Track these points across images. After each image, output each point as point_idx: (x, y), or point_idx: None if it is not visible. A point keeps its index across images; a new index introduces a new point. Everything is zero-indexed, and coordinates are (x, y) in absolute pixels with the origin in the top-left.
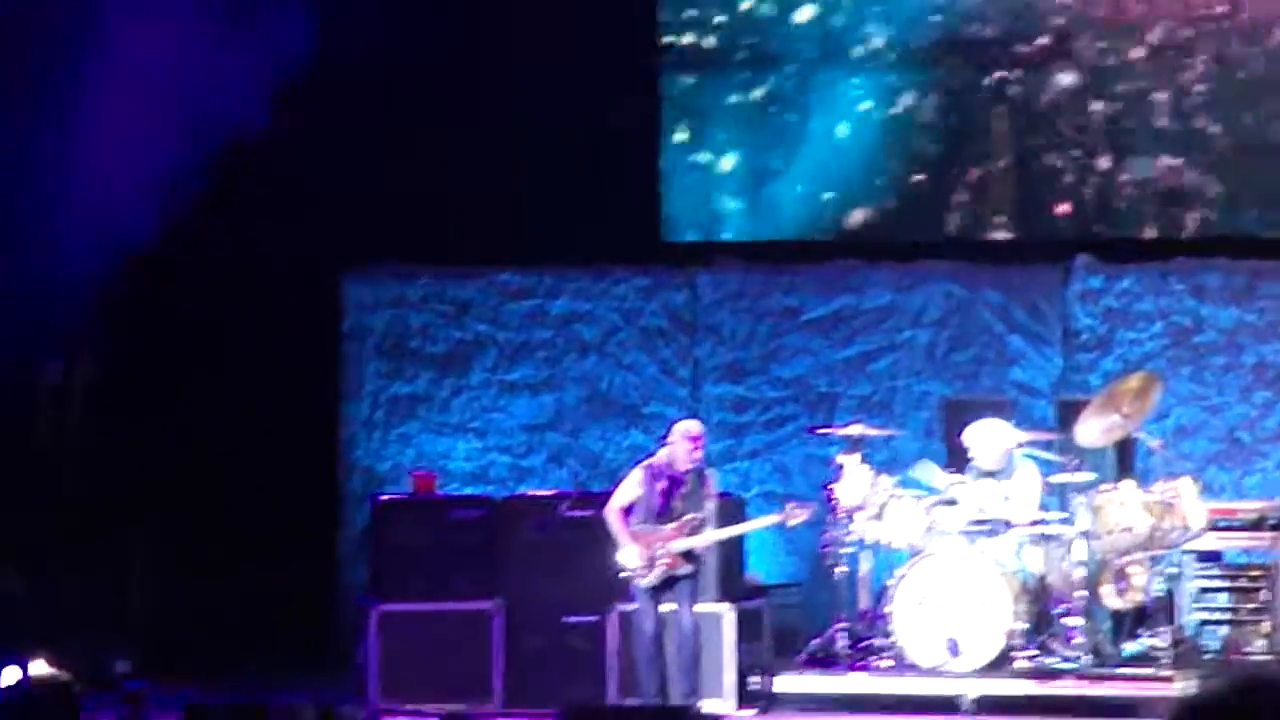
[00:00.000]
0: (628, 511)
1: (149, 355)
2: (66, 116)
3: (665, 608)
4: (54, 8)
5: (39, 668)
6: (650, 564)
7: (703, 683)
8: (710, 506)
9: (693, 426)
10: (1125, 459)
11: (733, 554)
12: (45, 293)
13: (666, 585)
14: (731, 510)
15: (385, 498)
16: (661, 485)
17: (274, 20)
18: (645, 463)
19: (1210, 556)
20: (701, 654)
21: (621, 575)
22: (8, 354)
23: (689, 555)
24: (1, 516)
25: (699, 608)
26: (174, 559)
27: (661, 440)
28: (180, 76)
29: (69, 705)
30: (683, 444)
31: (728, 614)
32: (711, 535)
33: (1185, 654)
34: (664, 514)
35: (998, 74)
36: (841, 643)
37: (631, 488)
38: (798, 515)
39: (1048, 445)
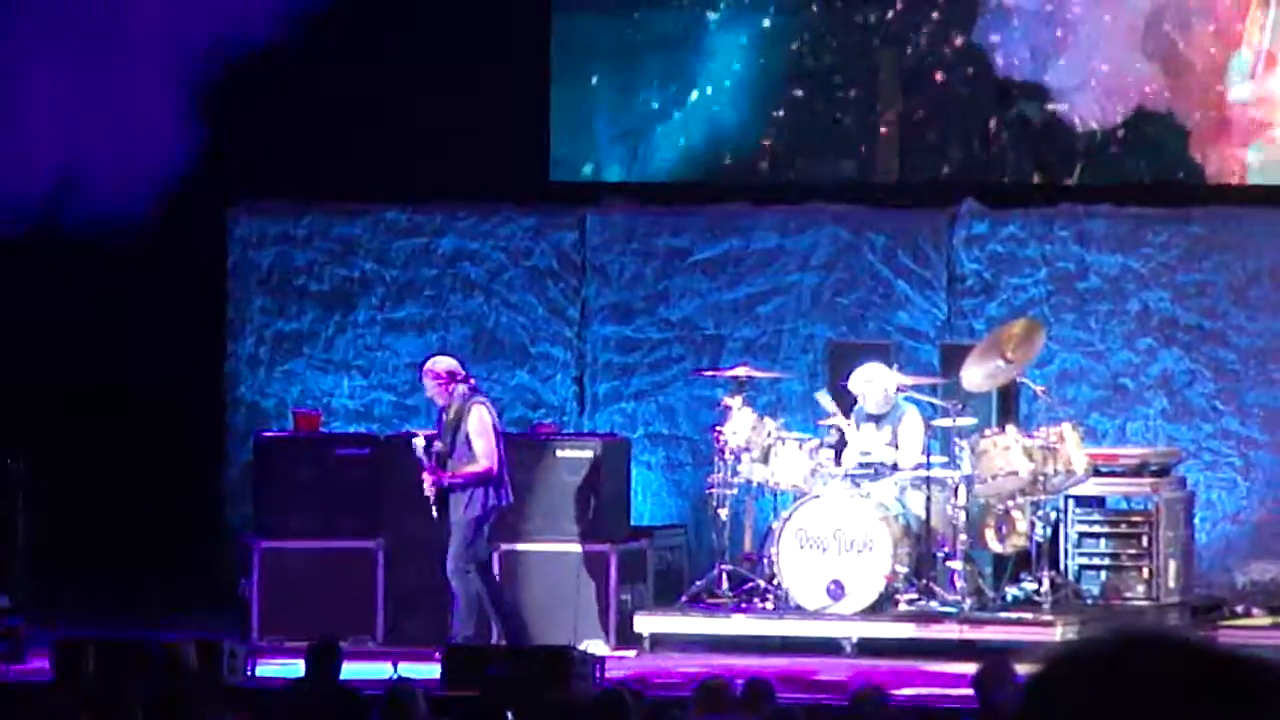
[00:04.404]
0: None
1: (30, 285)
2: None
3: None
4: None
5: None
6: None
7: (584, 623)
8: (468, 442)
9: (430, 363)
10: (1008, 404)
11: (618, 495)
12: None
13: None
14: (617, 451)
15: (268, 434)
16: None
17: None
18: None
19: (1092, 502)
20: (481, 599)
21: None
22: None
23: (439, 496)
24: None
25: (566, 547)
26: (56, 493)
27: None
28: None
29: None
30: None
31: (611, 555)
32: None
33: (1066, 598)
34: (439, 451)
35: (886, 14)
36: (725, 584)
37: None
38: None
39: (932, 390)
